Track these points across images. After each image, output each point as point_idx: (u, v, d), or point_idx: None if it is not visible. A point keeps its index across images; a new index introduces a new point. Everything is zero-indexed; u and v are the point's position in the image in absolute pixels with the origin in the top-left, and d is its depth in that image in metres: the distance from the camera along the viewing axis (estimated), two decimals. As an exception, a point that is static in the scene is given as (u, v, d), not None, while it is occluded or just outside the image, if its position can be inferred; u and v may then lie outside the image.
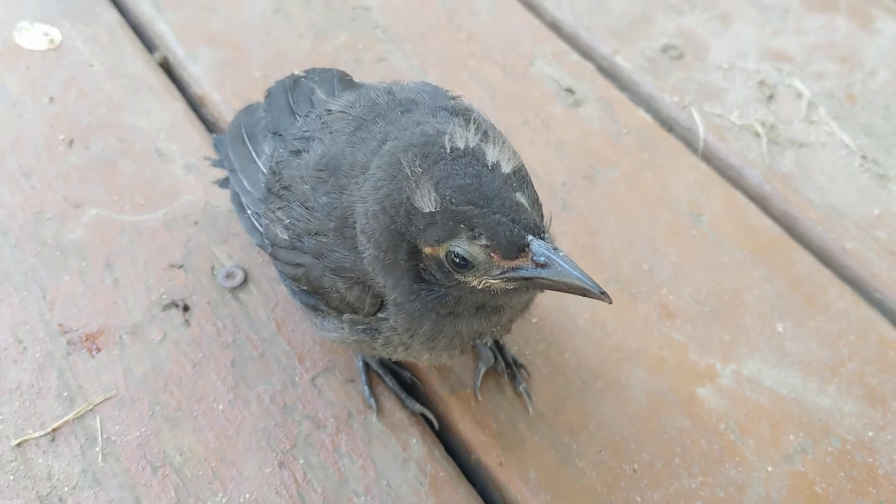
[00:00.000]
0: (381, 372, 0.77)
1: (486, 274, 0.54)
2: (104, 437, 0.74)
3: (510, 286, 0.54)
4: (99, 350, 0.79)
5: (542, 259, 0.52)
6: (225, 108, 0.98)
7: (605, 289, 0.52)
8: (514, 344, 0.80)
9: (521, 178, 0.54)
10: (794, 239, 0.89)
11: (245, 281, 0.83)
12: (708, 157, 0.97)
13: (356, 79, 0.75)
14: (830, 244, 0.89)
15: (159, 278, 0.84)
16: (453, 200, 0.51)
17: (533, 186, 0.55)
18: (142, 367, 0.78)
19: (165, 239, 0.87)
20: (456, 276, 0.54)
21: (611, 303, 0.52)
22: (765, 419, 0.76)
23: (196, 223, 0.88)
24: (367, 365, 0.77)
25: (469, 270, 0.54)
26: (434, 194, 0.52)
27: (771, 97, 1.03)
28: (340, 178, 0.59)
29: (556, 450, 0.74)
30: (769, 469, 0.73)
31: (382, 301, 0.60)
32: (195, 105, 1.01)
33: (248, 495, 0.71)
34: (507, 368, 0.77)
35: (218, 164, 0.84)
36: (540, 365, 0.79)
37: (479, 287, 0.55)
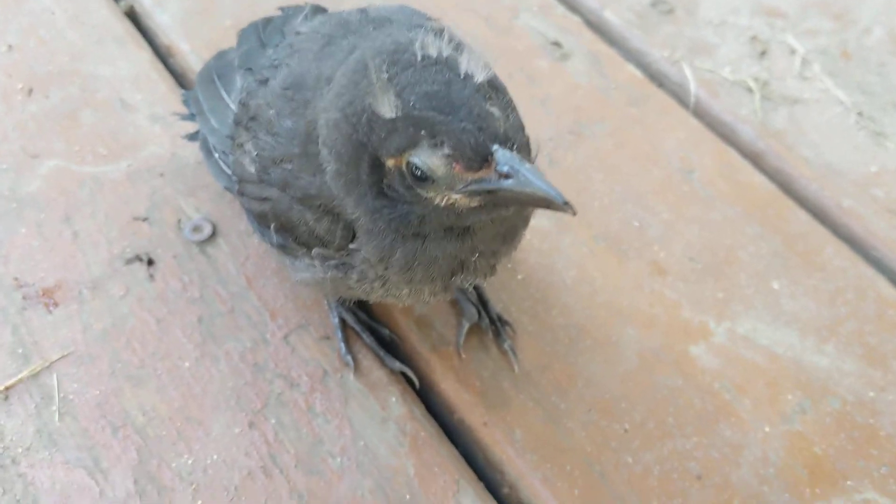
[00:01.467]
0: (358, 328, 0.72)
1: (449, 189, 0.49)
2: (61, 395, 0.69)
3: (473, 203, 0.50)
4: (56, 305, 0.74)
5: (506, 169, 0.47)
6: (194, 58, 0.93)
7: (573, 209, 0.47)
8: (499, 301, 0.76)
9: (494, 87, 0.49)
10: (789, 196, 0.86)
11: (213, 234, 0.79)
12: (699, 114, 0.94)
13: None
14: (826, 202, 0.86)
15: (122, 231, 0.79)
16: (417, 106, 0.47)
17: (509, 98, 0.51)
18: (102, 323, 0.73)
19: (129, 191, 0.81)
20: (418, 192, 0.50)
21: (574, 213, 0.47)
22: (761, 378, 0.73)
23: (162, 175, 0.83)
24: (343, 321, 0.73)
25: (430, 185, 0.49)
26: (396, 100, 0.47)
27: (763, 53, 0.99)
28: (304, 93, 0.55)
29: (542, 409, 0.70)
30: (766, 429, 0.70)
31: (354, 233, 0.56)
32: (162, 55, 0.96)
33: (215, 456, 0.66)
34: (492, 325, 0.73)
35: (188, 118, 0.79)
36: (526, 322, 0.75)
37: (443, 204, 0.50)
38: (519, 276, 0.77)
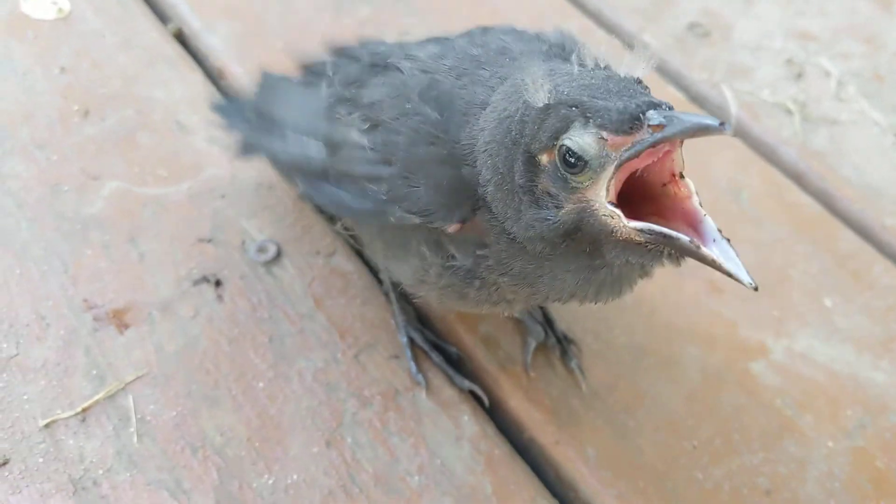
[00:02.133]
0: (426, 347, 0.74)
1: (602, 169, 0.47)
2: (138, 416, 0.70)
3: (639, 238, 0.48)
4: (127, 327, 0.74)
5: (659, 120, 0.45)
6: (247, 80, 0.94)
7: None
8: (563, 320, 0.77)
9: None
10: (835, 216, 0.88)
11: (278, 255, 0.80)
12: (741, 135, 0.96)
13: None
14: (870, 221, 0.88)
15: (187, 253, 0.80)
16: (571, 93, 0.47)
17: None
18: (174, 344, 0.74)
19: (191, 213, 0.83)
20: (570, 183, 0.48)
21: (732, 132, 0.46)
22: (821, 395, 0.74)
23: (223, 196, 0.84)
24: (411, 340, 0.74)
25: (583, 171, 0.48)
26: (549, 88, 0.48)
27: (799, 75, 1.02)
28: (457, 116, 0.55)
29: (612, 427, 0.71)
30: (830, 445, 0.71)
31: (474, 213, 0.55)
32: (214, 77, 0.97)
33: (295, 476, 0.67)
34: (558, 344, 0.74)
35: (230, 126, 0.79)
36: (590, 341, 0.76)
37: (601, 213, 0.48)
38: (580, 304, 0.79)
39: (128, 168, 0.86)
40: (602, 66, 0.51)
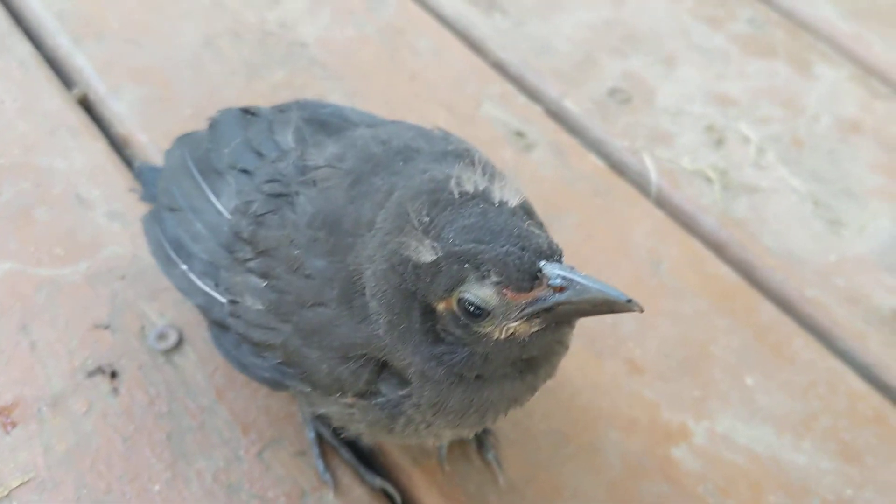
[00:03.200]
0: (335, 443, 0.70)
1: (506, 318, 0.48)
2: (21, 527, 0.64)
3: (534, 326, 0.49)
4: (14, 425, 0.69)
5: (559, 282, 0.46)
6: (152, 149, 0.91)
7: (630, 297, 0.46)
8: (479, 406, 0.74)
9: (527, 210, 0.50)
10: (754, 287, 0.87)
11: (179, 342, 0.75)
12: (662, 203, 0.95)
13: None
14: (790, 292, 0.87)
15: (83, 341, 0.75)
16: (456, 242, 0.47)
17: (539, 218, 0.52)
18: (65, 443, 0.69)
19: (89, 295, 0.78)
20: (474, 329, 0.49)
21: (642, 310, 0.46)
22: (743, 480, 0.73)
23: (123, 277, 0.79)
24: (319, 436, 0.70)
25: (486, 318, 0.48)
26: (434, 242, 0.47)
27: (720, 142, 1.02)
28: (343, 238, 0.53)
29: (530, 523, 0.68)
30: (752, 535, 0.70)
31: (378, 376, 0.54)
32: (118, 146, 0.93)
33: (191, 590, 0.63)
34: (474, 435, 0.71)
35: (147, 197, 0.74)
36: (508, 430, 0.73)
37: (503, 337, 0.49)
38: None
39: (22, 247, 0.81)
40: (482, 185, 0.49)
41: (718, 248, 0.91)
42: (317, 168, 0.58)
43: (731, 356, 0.81)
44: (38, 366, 0.73)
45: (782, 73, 1.12)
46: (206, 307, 0.63)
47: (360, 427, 0.59)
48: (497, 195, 0.49)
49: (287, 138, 0.63)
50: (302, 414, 0.71)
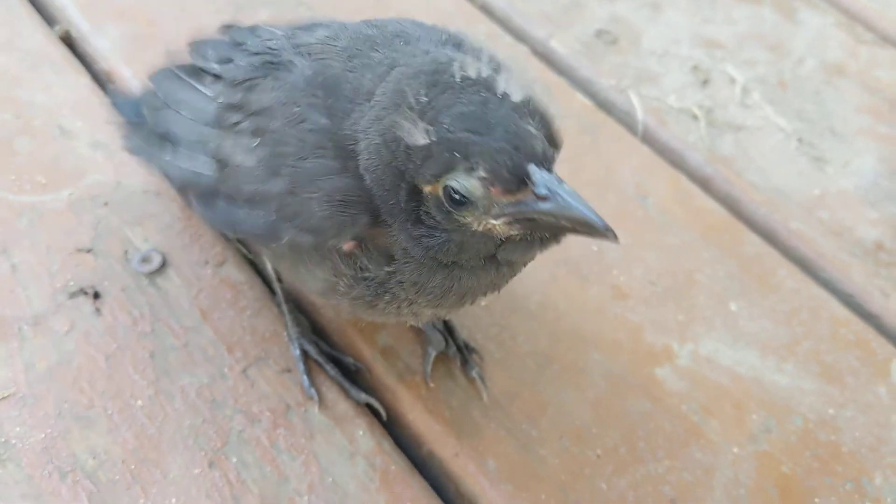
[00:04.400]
0: (321, 360, 0.70)
1: (487, 213, 0.48)
2: (3, 440, 0.64)
3: (513, 230, 0.49)
4: (-6, 343, 0.69)
5: (544, 191, 0.46)
6: (137, 83, 0.90)
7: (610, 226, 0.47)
8: (464, 328, 0.74)
9: (533, 108, 0.49)
10: (740, 220, 0.87)
11: (163, 265, 0.75)
12: (648, 140, 0.95)
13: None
14: (775, 225, 0.88)
15: (65, 264, 0.74)
16: (451, 129, 0.46)
17: (551, 117, 0.50)
18: (46, 361, 0.68)
19: (71, 221, 0.77)
20: (455, 217, 0.49)
21: (617, 241, 0.47)
22: (726, 399, 0.73)
23: (106, 204, 0.79)
24: (305, 353, 0.70)
25: (468, 209, 0.48)
26: (429, 126, 0.46)
27: (706, 82, 1.02)
28: (342, 103, 0.53)
29: (514, 438, 0.68)
30: (735, 451, 0.70)
31: (372, 227, 0.53)
32: (102, 81, 0.92)
33: (174, 500, 0.62)
34: (459, 353, 0.71)
35: (127, 126, 0.72)
36: (492, 349, 0.73)
37: (481, 230, 0.49)
38: (483, 303, 0.76)
39: (4, 175, 0.80)
40: (486, 72, 0.49)
41: (704, 184, 0.91)
42: (309, 45, 0.58)
43: (716, 284, 0.81)
44: (18, 287, 0.72)
45: (768, 19, 1.12)
46: (193, 180, 0.61)
47: (343, 302, 0.58)
48: (501, 86, 0.48)
49: (272, 30, 0.63)
50: (287, 332, 0.71)
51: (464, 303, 0.57)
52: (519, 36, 1.04)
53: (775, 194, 0.90)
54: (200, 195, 0.62)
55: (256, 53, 0.60)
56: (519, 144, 0.46)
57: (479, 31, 1.03)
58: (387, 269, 0.54)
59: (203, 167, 0.60)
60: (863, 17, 1.13)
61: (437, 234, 0.51)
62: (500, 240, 0.51)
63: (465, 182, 0.47)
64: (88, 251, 0.75)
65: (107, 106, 0.86)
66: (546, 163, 0.47)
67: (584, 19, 1.07)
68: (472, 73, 0.49)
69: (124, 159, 0.80)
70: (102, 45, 0.94)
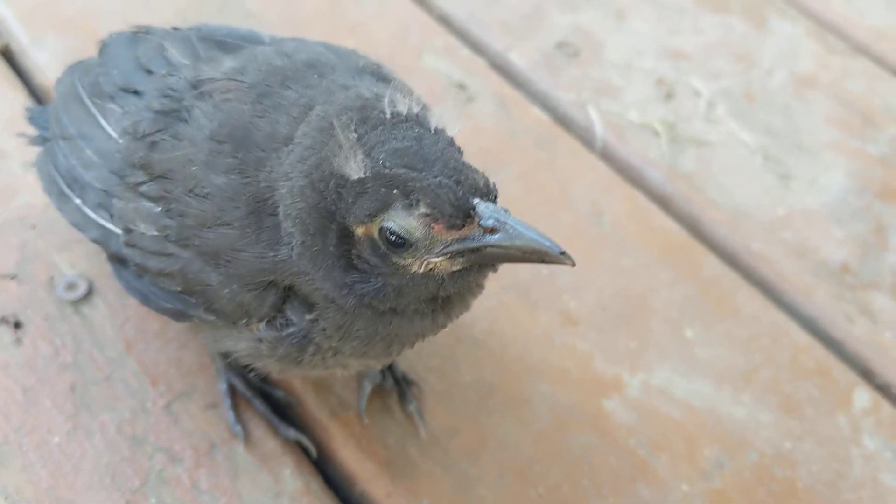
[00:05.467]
0: (249, 395, 0.66)
1: (428, 252, 0.45)
2: None
3: (457, 266, 0.46)
4: None
5: (491, 223, 0.44)
6: (74, 100, 0.86)
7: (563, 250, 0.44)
8: (404, 359, 0.71)
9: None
10: (699, 240, 0.84)
11: (89, 293, 0.72)
12: (607, 157, 0.92)
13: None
14: (736, 246, 0.84)
15: (-14, 291, 0.71)
16: (387, 164, 0.44)
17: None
18: (-41, 395, 0.65)
19: (-4, 245, 0.74)
20: (394, 260, 0.46)
21: (573, 265, 0.44)
22: (678, 433, 0.70)
23: (34, 227, 0.76)
24: (231, 387, 0.67)
25: (407, 250, 0.45)
26: (364, 157, 0.44)
27: (669, 95, 0.99)
28: (254, 152, 0.50)
29: (452, 476, 0.65)
30: (684, 488, 0.67)
31: (284, 302, 0.51)
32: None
33: (86, 545, 0.59)
34: (396, 386, 0.68)
35: (39, 140, 0.70)
36: (433, 381, 0.70)
37: (422, 271, 0.46)
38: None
39: (-73, 196, 0.77)
40: (416, 109, 0.46)
41: (663, 202, 0.88)
42: (213, 81, 0.54)
43: (672, 309, 0.78)
44: (-64, 316, 0.69)
45: (737, 28, 1.08)
46: (102, 241, 0.59)
47: (270, 362, 0.55)
48: (433, 122, 0.46)
49: (178, 55, 0.60)
50: (215, 366, 0.67)
51: (391, 352, 0.53)
52: (477, 48, 1.01)
53: (737, 213, 0.87)
54: (112, 257, 0.60)
55: (157, 97, 0.56)
56: (460, 179, 0.44)
57: (436, 43, 1.00)
58: (308, 317, 0.51)
59: (112, 225, 0.58)
60: (835, 26, 1.10)
61: (372, 280, 0.48)
62: (442, 278, 0.47)
63: (404, 221, 0.45)
64: (12, 277, 0.72)
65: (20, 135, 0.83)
66: (489, 195, 0.45)
67: (545, 30, 1.04)
68: (402, 109, 0.47)
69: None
70: (42, 58, 0.91)
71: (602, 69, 1.01)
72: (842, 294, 0.81)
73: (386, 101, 0.47)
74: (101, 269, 0.73)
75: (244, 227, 0.50)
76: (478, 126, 0.91)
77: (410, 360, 0.71)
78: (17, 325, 0.69)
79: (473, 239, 0.45)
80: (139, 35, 0.63)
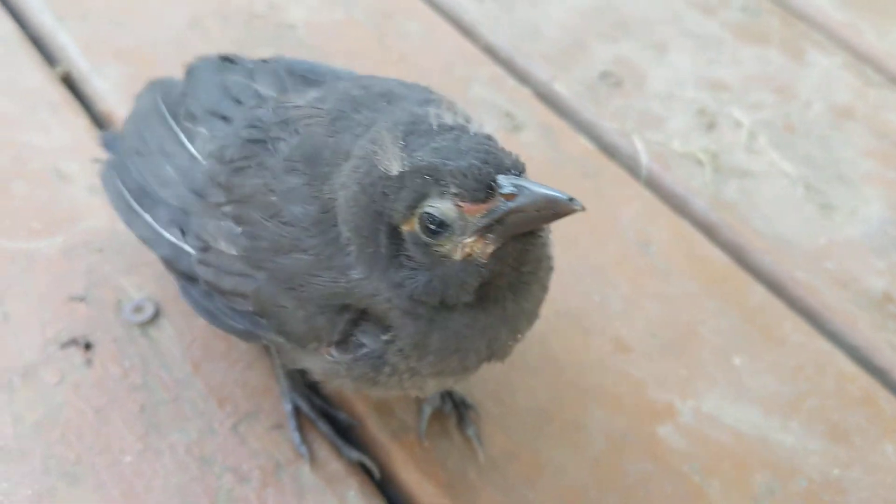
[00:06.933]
0: (313, 416, 0.68)
1: (462, 234, 0.47)
2: (-13, 497, 0.63)
3: (489, 247, 0.48)
4: (-17, 396, 0.68)
5: (509, 190, 0.46)
6: (135, 126, 0.89)
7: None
8: (461, 384, 0.73)
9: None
10: (744, 269, 0.86)
11: (156, 315, 0.74)
12: (652, 185, 0.94)
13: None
14: (780, 275, 0.86)
15: (57, 313, 0.73)
16: (424, 159, 0.47)
17: None
18: (34, 413, 0.67)
19: (64, 269, 0.76)
20: (434, 249, 0.48)
21: (583, 209, 0.46)
22: (729, 459, 0.71)
23: (100, 251, 0.78)
24: (297, 408, 0.68)
25: (445, 235, 0.48)
26: (404, 156, 0.47)
27: (711, 125, 1.01)
28: (321, 168, 0.53)
29: (510, 500, 0.66)
30: (738, 514, 0.68)
31: (356, 326, 0.53)
32: (101, 123, 0.91)
33: (159, 562, 0.61)
34: (455, 409, 0.70)
35: (112, 164, 0.71)
36: (490, 406, 0.72)
37: (460, 256, 0.48)
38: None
39: (-2, 220, 0.80)
40: (461, 121, 0.49)
41: (708, 231, 0.90)
42: (297, 108, 0.57)
43: (719, 337, 0.79)
44: (9, 337, 0.71)
45: (775, 61, 1.10)
46: (172, 258, 0.61)
47: (346, 382, 0.57)
48: (474, 128, 0.49)
49: (267, 87, 0.62)
50: (280, 387, 0.69)
51: (467, 366, 0.55)
52: (522, 79, 1.03)
53: (781, 243, 0.88)
54: (178, 276, 0.62)
55: (245, 127, 0.59)
56: (488, 159, 0.47)
57: (482, 74, 1.02)
58: (383, 338, 0.53)
59: (184, 243, 0.60)
60: (871, 58, 1.12)
61: (419, 276, 0.50)
62: (482, 262, 0.49)
63: (438, 205, 0.47)
64: (81, 300, 0.74)
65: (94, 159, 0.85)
66: (516, 169, 0.48)
67: (587, 61, 1.06)
68: (448, 121, 0.49)
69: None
70: (102, 85, 0.94)
71: (644, 99, 1.03)
72: (885, 324, 0.83)
73: (432, 113, 0.50)
74: (167, 292, 0.75)
75: (319, 253, 0.52)
76: (525, 156, 0.92)
77: (468, 385, 0.73)
78: (88, 347, 0.71)
79: (497, 210, 0.46)
80: (227, 64, 0.66)
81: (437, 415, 0.70)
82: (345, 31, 1.05)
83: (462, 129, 0.49)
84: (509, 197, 0.46)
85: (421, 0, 1.11)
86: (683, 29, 1.12)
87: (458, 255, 0.48)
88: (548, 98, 1.02)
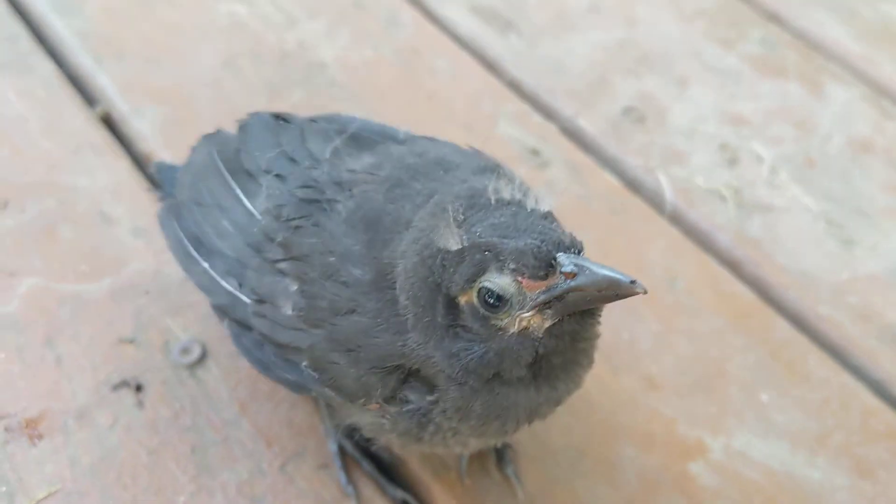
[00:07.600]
0: (357, 455, 0.71)
1: (521, 308, 0.49)
2: (48, 538, 0.65)
3: (546, 322, 0.50)
4: (41, 438, 0.70)
5: (570, 269, 0.48)
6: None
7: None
8: (498, 421, 0.75)
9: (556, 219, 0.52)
10: (769, 304, 0.88)
11: (203, 356, 0.77)
12: (677, 221, 0.96)
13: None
14: (804, 310, 0.88)
15: (107, 355, 0.76)
16: (483, 235, 0.49)
17: None
18: (90, 456, 0.70)
19: (113, 311, 0.79)
20: (492, 322, 0.50)
21: (645, 292, 0.48)
22: (759, 495, 0.73)
23: (147, 293, 0.81)
24: (341, 448, 0.71)
25: (503, 310, 0.50)
26: (464, 232, 0.49)
27: (733, 161, 1.03)
28: (381, 234, 0.55)
29: (549, 537, 0.69)
30: (769, 550, 0.70)
31: (404, 384, 0.55)
32: (142, 164, 0.94)
33: None
34: (494, 448, 0.72)
35: (167, 196, 0.73)
36: (526, 444, 0.74)
37: (517, 330, 0.50)
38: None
39: (47, 263, 0.82)
40: (518, 196, 0.51)
41: (733, 266, 0.92)
42: (353, 172, 0.60)
43: (747, 374, 0.82)
44: (63, 380, 0.74)
45: (794, 94, 1.13)
46: (228, 306, 0.63)
47: (391, 437, 0.60)
48: (531, 204, 0.52)
49: (321, 148, 0.65)
50: (324, 426, 0.72)
51: (506, 429, 0.57)
52: (547, 114, 1.06)
53: (804, 278, 0.91)
54: (235, 321, 0.64)
55: (301, 186, 0.61)
56: (546, 238, 0.49)
57: (508, 110, 1.05)
58: (429, 398, 0.55)
59: (241, 293, 0.62)
60: (890, 91, 1.14)
61: (476, 348, 0.52)
62: (539, 336, 0.51)
63: (499, 280, 0.49)
64: (130, 342, 0.77)
65: (147, 188, 0.88)
66: (573, 248, 0.50)
67: (610, 96, 1.09)
68: (506, 196, 0.52)
69: (163, 247, 0.82)
70: (141, 126, 0.97)
71: (667, 135, 1.05)
72: (907, 358, 0.85)
73: (491, 188, 0.52)
74: (212, 333, 0.78)
75: (376, 316, 0.55)
76: (552, 192, 0.96)
77: (504, 424, 0.75)
78: (139, 389, 0.74)
79: (557, 287, 0.48)
80: (280, 122, 0.69)
81: (477, 454, 0.72)
82: (374, 69, 1.08)
83: (519, 205, 0.51)
84: (570, 276, 0.48)
85: (447, 37, 1.14)
86: (704, 63, 1.15)
87: (514, 328, 0.51)
88: (573, 134, 1.04)
